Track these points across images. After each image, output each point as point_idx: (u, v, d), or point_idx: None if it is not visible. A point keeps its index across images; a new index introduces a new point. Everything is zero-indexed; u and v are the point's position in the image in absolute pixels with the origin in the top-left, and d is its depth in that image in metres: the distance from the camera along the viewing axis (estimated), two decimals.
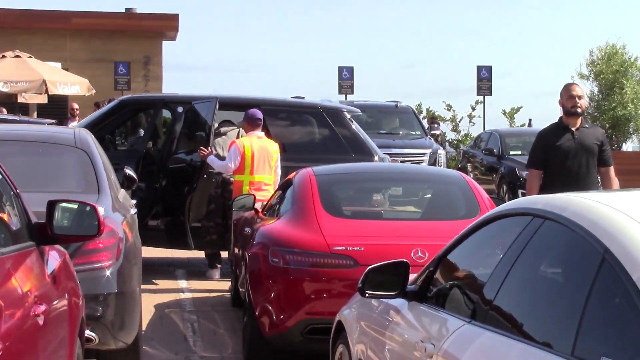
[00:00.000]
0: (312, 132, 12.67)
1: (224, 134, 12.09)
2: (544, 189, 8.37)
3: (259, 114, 11.21)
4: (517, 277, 3.98)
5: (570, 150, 8.42)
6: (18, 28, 27.52)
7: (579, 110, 8.47)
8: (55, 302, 4.48)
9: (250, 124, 11.16)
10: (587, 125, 8.65)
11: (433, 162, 20.44)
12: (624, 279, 3.27)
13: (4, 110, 20.04)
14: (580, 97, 8.49)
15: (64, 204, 4.72)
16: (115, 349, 6.95)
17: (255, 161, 10.93)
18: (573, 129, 8.47)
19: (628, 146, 33.50)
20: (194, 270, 12.50)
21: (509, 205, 4.45)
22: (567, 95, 8.48)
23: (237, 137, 11.76)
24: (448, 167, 23.11)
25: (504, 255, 4.11)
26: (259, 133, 11.14)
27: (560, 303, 3.72)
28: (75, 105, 19.52)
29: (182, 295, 10.77)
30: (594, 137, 8.54)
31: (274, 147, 11.14)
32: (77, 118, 19.01)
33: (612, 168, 8.58)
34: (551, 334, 3.58)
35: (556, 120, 8.71)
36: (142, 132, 14.96)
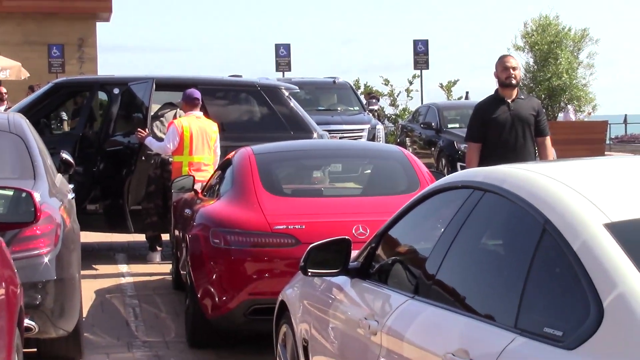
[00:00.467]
0: (250, 110, 12.59)
1: (162, 116, 11.98)
2: (483, 161, 8.39)
3: (196, 93, 11.11)
4: (458, 250, 3.98)
5: (506, 122, 8.45)
6: None
7: (514, 81, 8.49)
8: None
9: (188, 104, 11.06)
10: (522, 97, 8.68)
11: (372, 137, 20.46)
12: (565, 249, 3.27)
13: None
14: (514, 69, 8.52)
15: None
16: (55, 337, 6.85)
17: (194, 141, 10.83)
18: (509, 100, 8.49)
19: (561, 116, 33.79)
20: (134, 254, 12.39)
21: (448, 178, 4.44)
22: (502, 67, 8.50)
23: (175, 117, 11.64)
24: (387, 142, 23.17)
25: (445, 229, 4.11)
26: (197, 113, 11.04)
27: (502, 275, 3.72)
28: (4, 89, 19.19)
29: (123, 280, 10.67)
30: (530, 107, 8.58)
31: (212, 127, 11.05)
32: (6, 102, 18.69)
33: (548, 138, 8.65)
34: (494, 307, 3.59)
35: (492, 92, 8.74)
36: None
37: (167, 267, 11.06)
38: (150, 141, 11.17)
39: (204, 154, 10.86)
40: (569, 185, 3.54)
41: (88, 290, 9.63)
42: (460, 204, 4.07)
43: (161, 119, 11.91)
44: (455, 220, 4.05)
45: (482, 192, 3.93)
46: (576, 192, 3.47)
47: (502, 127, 8.44)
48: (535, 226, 3.47)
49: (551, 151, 8.67)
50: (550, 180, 3.64)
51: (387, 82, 30.73)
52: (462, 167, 18.69)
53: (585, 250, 3.21)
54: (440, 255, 4.03)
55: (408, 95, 30.55)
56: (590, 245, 3.21)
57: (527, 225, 3.55)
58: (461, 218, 4.01)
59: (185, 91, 11.17)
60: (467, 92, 31.59)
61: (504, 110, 8.47)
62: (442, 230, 4.14)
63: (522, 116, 8.48)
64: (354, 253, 4.82)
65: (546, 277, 3.41)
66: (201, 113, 11.12)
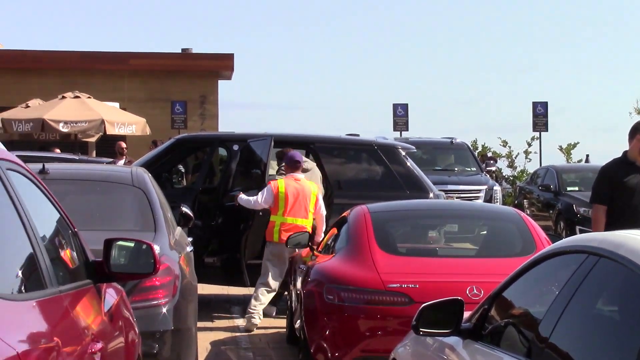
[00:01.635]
0: (367, 169, 12.69)
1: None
2: (609, 225, 8.29)
3: (298, 156, 11.24)
4: (572, 315, 3.94)
5: (636, 187, 8.32)
6: (78, 69, 27.97)
7: None
8: (111, 340, 4.52)
9: (289, 166, 11.14)
10: None
11: (489, 198, 20.35)
12: None
13: (57, 150, 20.33)
14: None
15: (120, 242, 4.77)
16: None
17: (289, 203, 10.86)
18: (639, 165, 8.39)
19: None
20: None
21: (564, 242, 4.42)
22: None
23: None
24: (504, 203, 22.98)
25: (559, 293, 4.08)
26: (298, 175, 11.11)
27: (616, 342, 3.68)
28: (123, 145, 19.78)
29: (238, 333, 10.79)
30: None
31: (312, 189, 11.06)
32: (125, 157, 19.25)
33: None
34: None
35: (614, 155, 8.64)
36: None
37: (282, 321, 11.16)
38: (240, 197, 11.28)
39: (298, 217, 10.85)
40: None
41: (204, 341, 9.78)
42: (574, 268, 4.05)
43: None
44: (569, 285, 4.02)
45: (597, 257, 3.91)
46: None
47: (632, 191, 8.31)
48: None
49: None
50: None
51: (505, 144, 30.58)
52: (581, 231, 18.42)
53: None
54: (554, 319, 4.00)
55: (526, 157, 30.32)
56: None
57: None
58: (575, 283, 3.99)
59: (287, 153, 11.32)
60: (587, 155, 31.18)
61: (634, 175, 8.35)
62: (556, 294, 4.12)
63: None
64: (466, 314, 4.82)
65: None
66: (302, 175, 11.16)
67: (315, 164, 11.98)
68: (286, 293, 10.87)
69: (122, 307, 5.04)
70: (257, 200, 11.03)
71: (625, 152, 8.56)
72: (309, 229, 10.74)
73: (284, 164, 11.40)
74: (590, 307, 3.99)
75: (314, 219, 11.05)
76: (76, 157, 18.14)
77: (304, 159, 11.77)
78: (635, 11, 65.88)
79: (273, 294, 10.97)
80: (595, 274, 3.91)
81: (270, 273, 10.85)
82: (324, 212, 11.10)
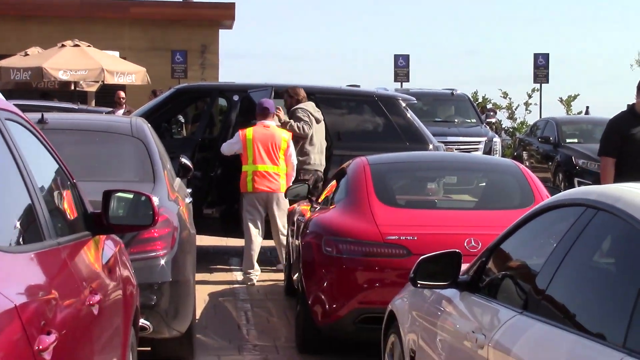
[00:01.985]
0: (367, 120, 12.66)
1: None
2: (618, 177, 8.34)
3: (267, 103, 11.17)
4: (569, 268, 3.96)
5: None
6: (78, 17, 27.80)
7: None
8: (109, 292, 4.54)
9: (259, 114, 11.05)
10: None
11: (488, 150, 20.34)
12: None
13: (55, 99, 20.27)
14: None
15: (119, 194, 4.77)
16: (169, 337, 7.02)
17: (258, 150, 10.78)
18: None
19: None
20: None
21: (562, 195, 4.43)
22: None
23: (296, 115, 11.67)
24: (504, 155, 22.98)
25: (557, 245, 4.10)
26: (267, 122, 10.99)
27: (612, 293, 3.70)
28: (122, 94, 19.71)
29: (236, 284, 10.84)
30: None
31: (282, 136, 10.95)
32: (124, 106, 19.20)
33: None
34: (602, 326, 3.57)
35: (614, 107, 8.70)
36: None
37: (279, 273, 11.20)
38: (222, 147, 11.26)
39: (268, 164, 10.82)
40: None
41: (202, 292, 9.83)
42: (572, 221, 4.06)
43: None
44: (567, 238, 4.04)
45: (595, 210, 3.92)
46: None
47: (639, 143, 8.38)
48: None
49: None
50: None
51: (505, 95, 30.50)
52: (580, 183, 18.43)
53: None
54: (551, 271, 4.02)
55: (527, 109, 30.26)
56: None
57: (639, 244, 3.52)
58: (573, 235, 4.00)
59: (259, 101, 11.29)
60: (587, 107, 31.14)
61: None
62: (554, 247, 4.13)
63: None
64: (464, 266, 4.84)
65: None
66: (271, 122, 11.06)
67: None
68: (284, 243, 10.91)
69: (121, 258, 5.06)
70: (222, 148, 11.03)
71: (632, 105, 8.59)
72: (283, 177, 10.76)
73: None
74: (587, 259, 4.00)
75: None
76: (75, 107, 18.10)
77: (316, 109, 11.66)
78: None
79: (259, 245, 10.94)
80: (593, 226, 3.93)
81: (250, 226, 10.80)
82: (294, 160, 11.03)
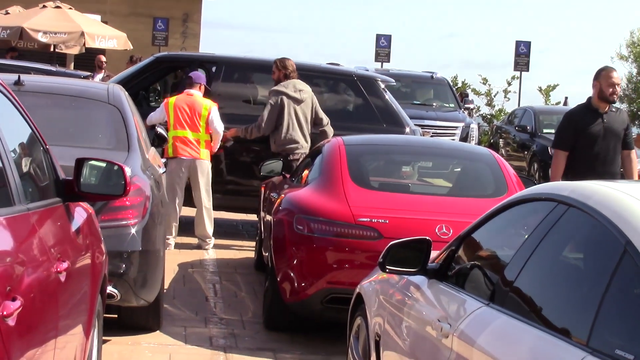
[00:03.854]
0: (344, 100, 12.64)
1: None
2: (570, 170, 8.44)
3: (194, 74, 11.27)
4: (538, 262, 3.97)
5: (599, 134, 8.46)
6: None
7: (616, 98, 8.54)
8: (77, 259, 4.52)
9: (187, 84, 11.21)
10: (614, 110, 8.69)
11: (465, 135, 20.36)
12: None
13: (17, 53, 19.99)
14: (618, 85, 8.57)
15: (92, 162, 4.75)
16: (136, 306, 7.02)
17: (178, 115, 10.89)
18: (602, 112, 8.51)
19: None
20: (220, 231, 12.54)
21: (535, 189, 4.44)
22: (607, 82, 8.47)
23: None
24: (480, 141, 23.02)
25: (527, 239, 4.11)
26: (191, 91, 11.09)
27: (579, 291, 3.71)
28: (103, 58, 19.55)
29: (207, 256, 10.84)
30: (621, 121, 8.65)
31: (204, 104, 11.02)
32: (104, 71, 19.05)
33: (634, 151, 8.77)
34: (568, 322, 3.58)
35: (585, 101, 8.72)
36: None
37: (250, 247, 11.20)
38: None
39: (187, 129, 10.88)
40: None
41: (171, 262, 9.81)
42: (543, 215, 4.07)
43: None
44: (537, 232, 4.05)
45: (566, 206, 3.93)
46: None
47: (595, 138, 8.45)
48: (617, 246, 3.46)
49: (635, 163, 8.72)
50: (636, 202, 3.62)
51: (485, 81, 30.48)
52: None
53: None
54: (519, 265, 4.03)
55: (505, 96, 30.29)
56: None
57: (608, 244, 3.54)
58: (543, 230, 4.01)
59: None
60: (566, 98, 31.21)
61: (597, 122, 8.49)
62: (524, 240, 4.14)
63: (614, 129, 8.50)
64: (434, 253, 4.85)
65: (623, 298, 3.39)
66: (195, 91, 11.12)
67: (310, 92, 11.71)
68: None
69: (90, 226, 5.04)
70: (150, 116, 11.05)
71: (589, 99, 8.65)
72: (203, 144, 10.85)
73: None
74: (556, 255, 4.01)
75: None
76: (53, 69, 17.95)
77: (298, 88, 11.52)
78: None
79: (178, 213, 11.01)
80: (564, 222, 3.94)
81: (172, 192, 10.80)
82: (219, 128, 11.05)
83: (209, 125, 10.98)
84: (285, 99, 11.24)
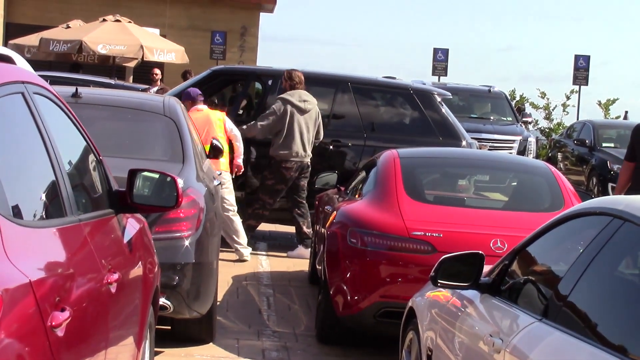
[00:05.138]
0: (401, 113, 12.60)
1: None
2: (634, 183, 8.57)
3: (193, 91, 11.23)
4: (592, 277, 3.91)
5: None
6: None
7: None
8: (129, 270, 4.53)
9: (190, 102, 11.05)
10: None
11: (523, 149, 20.20)
12: None
13: (81, 71, 20.22)
14: None
15: (145, 174, 4.76)
16: (189, 318, 7.03)
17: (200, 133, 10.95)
18: None
19: None
20: (274, 244, 12.57)
21: (590, 203, 4.37)
22: None
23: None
24: (538, 155, 22.82)
25: (581, 254, 4.04)
26: (199, 106, 11.08)
27: (635, 307, 3.64)
28: (157, 71, 19.70)
29: (261, 269, 10.84)
30: None
31: (217, 116, 11.05)
32: (159, 83, 19.18)
33: None
34: (622, 339, 3.51)
35: None
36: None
37: (305, 260, 11.19)
38: None
39: (208, 144, 10.88)
40: None
41: (225, 275, 9.83)
42: (598, 230, 4.00)
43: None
44: (591, 246, 3.98)
45: (622, 220, 3.86)
46: None
47: None
48: None
49: None
50: None
51: (543, 95, 30.25)
52: (614, 188, 18.25)
53: None
54: (573, 280, 3.97)
55: (564, 110, 30.01)
56: None
57: None
58: (598, 245, 3.94)
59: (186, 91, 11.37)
60: (626, 112, 30.84)
61: None
62: (578, 255, 4.08)
63: None
64: (487, 267, 4.79)
65: None
66: (203, 106, 11.14)
67: (315, 104, 11.76)
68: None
69: (143, 238, 5.05)
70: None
71: None
72: (225, 156, 10.70)
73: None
74: (611, 270, 3.94)
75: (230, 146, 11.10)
76: (112, 82, 18.14)
77: (303, 99, 11.56)
78: None
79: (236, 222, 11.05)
80: (619, 237, 3.87)
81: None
82: (237, 133, 11.14)
83: (227, 133, 11.03)
84: (289, 107, 11.39)
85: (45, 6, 27.47)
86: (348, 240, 7.43)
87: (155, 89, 17.94)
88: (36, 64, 19.07)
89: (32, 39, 21.84)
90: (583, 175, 20.27)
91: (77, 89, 7.89)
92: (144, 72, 23.43)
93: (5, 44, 23.73)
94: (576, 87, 29.65)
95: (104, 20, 21.68)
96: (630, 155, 8.80)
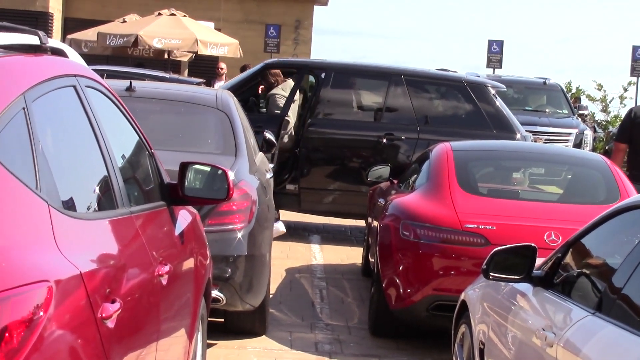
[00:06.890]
0: (454, 106, 12.52)
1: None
2: (631, 164, 9.38)
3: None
4: None
5: None
6: None
7: None
8: (180, 263, 4.55)
9: None
10: None
11: (579, 142, 19.99)
12: None
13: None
14: None
15: (196, 166, 4.78)
16: (242, 310, 7.05)
17: None
18: None
19: None
20: (328, 237, 12.57)
21: None
22: None
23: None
24: (595, 148, 22.58)
25: (635, 247, 3.98)
26: None
27: None
28: (222, 65, 19.76)
29: (314, 261, 10.85)
30: None
31: None
32: (224, 77, 19.25)
33: None
34: None
35: None
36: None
37: (358, 253, 11.19)
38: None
39: None
40: None
41: (279, 267, 9.85)
42: None
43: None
44: None
45: None
46: None
47: None
48: None
49: None
50: None
51: (600, 87, 29.88)
52: None
53: None
54: (627, 273, 3.91)
55: (621, 103, 29.62)
56: None
57: None
58: None
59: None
60: None
61: None
62: (632, 247, 4.02)
63: None
64: (539, 260, 4.74)
65: None
66: None
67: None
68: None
69: (195, 230, 5.07)
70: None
71: None
72: None
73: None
74: None
75: None
76: (167, 76, 18.25)
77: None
78: None
79: None
80: None
81: None
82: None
83: None
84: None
85: (102, 1, 27.71)
86: (401, 233, 7.41)
87: (221, 83, 18.02)
88: (94, 58, 19.28)
89: (89, 34, 22.04)
90: None
91: (131, 83, 7.95)
92: (200, 65, 23.55)
93: (64, 39, 23.98)
94: (634, 79, 29.26)
95: (159, 14, 21.82)
96: (622, 136, 9.23)
